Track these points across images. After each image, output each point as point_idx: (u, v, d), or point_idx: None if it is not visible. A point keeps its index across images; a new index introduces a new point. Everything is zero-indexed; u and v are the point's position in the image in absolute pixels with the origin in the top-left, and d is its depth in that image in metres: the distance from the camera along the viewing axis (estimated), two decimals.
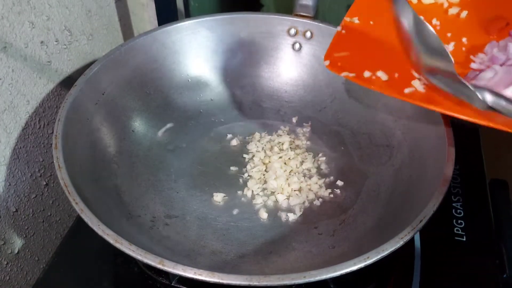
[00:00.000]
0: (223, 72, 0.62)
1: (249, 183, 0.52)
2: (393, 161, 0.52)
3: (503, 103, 0.37)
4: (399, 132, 0.53)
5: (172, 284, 0.45)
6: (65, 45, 0.58)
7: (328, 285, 0.45)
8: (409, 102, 0.40)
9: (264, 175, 0.53)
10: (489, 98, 0.38)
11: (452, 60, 0.39)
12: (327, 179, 0.53)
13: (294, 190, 0.52)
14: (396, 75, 0.42)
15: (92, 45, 0.63)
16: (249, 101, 0.62)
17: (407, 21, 0.44)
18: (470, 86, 0.37)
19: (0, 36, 0.48)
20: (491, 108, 0.38)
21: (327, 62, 0.43)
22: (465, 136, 0.61)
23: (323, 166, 0.55)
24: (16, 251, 0.55)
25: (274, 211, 0.50)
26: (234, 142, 0.57)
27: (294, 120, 0.60)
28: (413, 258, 0.48)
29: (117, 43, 0.68)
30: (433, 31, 0.41)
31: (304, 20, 0.60)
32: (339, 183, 0.53)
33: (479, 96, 0.37)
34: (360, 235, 0.46)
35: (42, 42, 0.54)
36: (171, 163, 0.54)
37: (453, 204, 0.54)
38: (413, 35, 0.43)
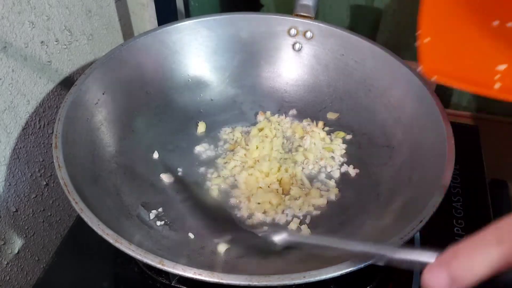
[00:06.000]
0: (223, 72, 0.62)
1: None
2: (393, 161, 0.52)
3: None
4: (399, 132, 0.53)
5: (172, 284, 0.45)
6: (65, 45, 0.58)
7: (328, 285, 0.45)
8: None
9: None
10: None
11: None
12: (328, 179, 0.53)
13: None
14: None
15: (92, 45, 0.63)
16: (249, 101, 0.62)
17: None
18: None
19: (0, 36, 0.48)
20: None
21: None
22: (465, 136, 0.61)
23: (323, 167, 0.55)
24: (16, 251, 0.55)
25: (274, 211, 0.50)
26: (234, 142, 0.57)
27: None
28: None
29: (117, 43, 0.68)
30: None
31: (305, 20, 0.59)
32: (340, 183, 0.53)
33: None
34: (360, 235, 0.46)
35: (42, 42, 0.54)
36: (171, 163, 0.54)
37: (453, 204, 0.54)
38: None
